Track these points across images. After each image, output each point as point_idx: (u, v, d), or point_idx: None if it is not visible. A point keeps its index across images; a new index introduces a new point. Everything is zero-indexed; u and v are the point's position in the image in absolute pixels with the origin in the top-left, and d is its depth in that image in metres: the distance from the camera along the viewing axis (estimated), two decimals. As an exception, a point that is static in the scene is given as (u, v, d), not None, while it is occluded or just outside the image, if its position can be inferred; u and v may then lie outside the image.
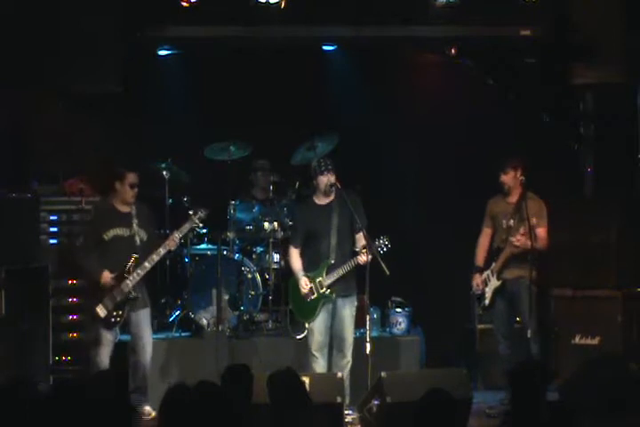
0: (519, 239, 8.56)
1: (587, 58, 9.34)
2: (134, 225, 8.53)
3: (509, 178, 8.79)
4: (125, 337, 8.76)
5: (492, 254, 8.87)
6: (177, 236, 8.50)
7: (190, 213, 8.56)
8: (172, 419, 5.07)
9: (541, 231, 8.72)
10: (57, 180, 9.80)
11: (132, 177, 8.56)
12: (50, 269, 9.16)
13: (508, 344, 8.80)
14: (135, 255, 8.41)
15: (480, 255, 8.93)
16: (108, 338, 8.48)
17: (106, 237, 8.52)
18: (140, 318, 8.55)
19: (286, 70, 10.28)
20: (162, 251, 8.46)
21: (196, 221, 8.55)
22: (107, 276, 8.40)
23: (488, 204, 8.98)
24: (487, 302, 8.87)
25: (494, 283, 8.80)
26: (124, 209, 8.59)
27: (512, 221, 8.75)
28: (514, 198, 8.80)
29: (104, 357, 8.46)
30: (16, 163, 10.02)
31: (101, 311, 8.44)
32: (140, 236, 8.54)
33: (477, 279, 8.84)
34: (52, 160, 10.08)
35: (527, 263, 8.57)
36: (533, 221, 8.56)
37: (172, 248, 8.56)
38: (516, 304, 8.75)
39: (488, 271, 8.83)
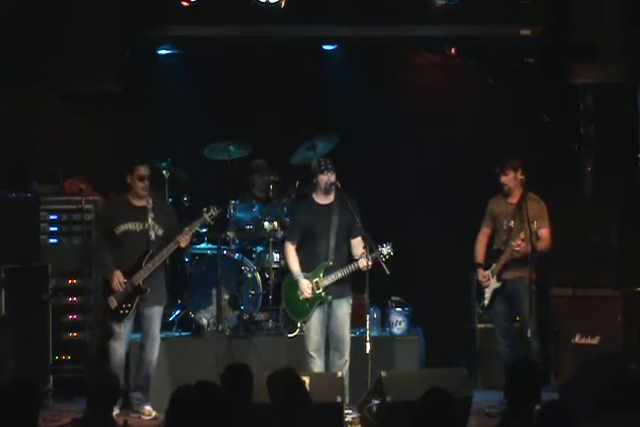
0: (519, 244, 8.56)
1: (587, 58, 9.34)
2: (149, 219, 8.52)
3: (509, 179, 8.78)
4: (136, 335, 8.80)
5: (492, 255, 8.86)
6: (187, 232, 8.52)
7: (204, 210, 8.58)
8: (176, 419, 5.07)
9: (544, 232, 8.72)
10: (57, 179, 9.81)
11: (141, 170, 8.56)
12: (49, 268, 9.16)
13: (508, 344, 8.80)
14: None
15: (479, 253, 8.92)
16: (119, 331, 8.51)
17: (117, 232, 8.54)
18: (152, 314, 8.58)
19: (286, 70, 10.28)
20: (172, 246, 8.50)
21: (208, 218, 8.58)
22: (118, 276, 8.44)
23: (489, 203, 8.97)
24: (486, 302, 8.86)
25: (494, 284, 8.79)
26: (139, 203, 8.60)
27: (512, 223, 8.74)
28: (514, 199, 8.79)
29: (118, 350, 8.51)
30: (16, 163, 10.02)
31: (112, 303, 8.50)
32: (156, 230, 8.55)
33: (483, 273, 8.82)
34: (52, 160, 10.09)
35: (527, 264, 8.56)
36: (534, 225, 8.54)
37: (183, 245, 8.56)
38: (516, 304, 8.75)
39: (488, 272, 8.83)
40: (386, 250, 8.23)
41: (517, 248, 8.56)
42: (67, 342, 9.38)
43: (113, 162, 9.83)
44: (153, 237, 8.53)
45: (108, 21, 9.26)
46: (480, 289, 8.93)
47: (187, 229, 8.55)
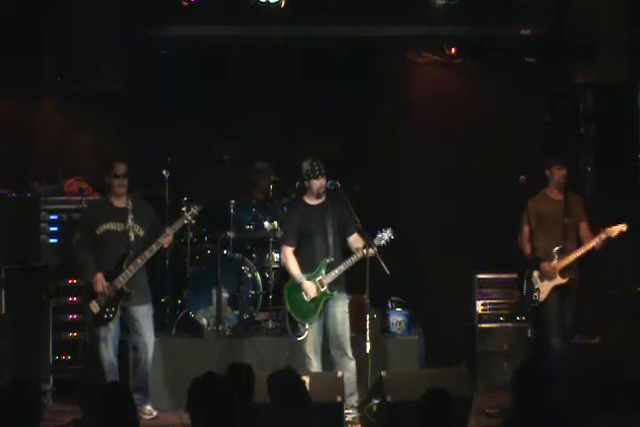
0: (603, 238, 8.58)
1: (587, 57, 9.34)
2: (129, 220, 8.50)
3: (564, 174, 8.75)
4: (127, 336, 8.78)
5: (553, 254, 8.74)
6: (169, 232, 8.47)
7: (183, 209, 8.53)
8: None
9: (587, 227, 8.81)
10: (57, 179, 9.81)
11: (117, 167, 8.53)
12: (50, 268, 9.16)
13: (563, 338, 8.74)
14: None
15: (529, 250, 8.74)
16: (104, 335, 8.46)
17: (98, 232, 8.51)
18: (140, 314, 8.53)
19: (286, 69, 10.27)
20: (154, 247, 8.44)
21: (189, 217, 8.51)
22: (100, 280, 8.41)
23: (530, 203, 8.80)
24: (543, 296, 8.74)
25: (558, 280, 8.72)
26: (120, 204, 8.58)
27: (566, 219, 8.73)
28: (559, 196, 8.79)
29: (104, 352, 8.46)
30: (16, 163, 10.03)
31: (94, 307, 8.45)
32: (136, 231, 8.52)
33: (549, 266, 8.69)
34: (51, 160, 10.10)
35: (577, 264, 8.66)
36: (583, 225, 8.67)
37: (165, 245, 8.52)
38: (565, 303, 8.74)
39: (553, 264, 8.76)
40: (387, 235, 8.23)
41: (599, 243, 8.58)
42: (67, 342, 9.36)
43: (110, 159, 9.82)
44: (132, 238, 8.50)
45: (108, 21, 9.26)
46: (530, 284, 8.77)
47: (168, 229, 8.49)
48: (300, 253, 8.45)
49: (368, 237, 8.20)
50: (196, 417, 5.11)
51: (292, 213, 8.73)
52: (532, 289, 8.77)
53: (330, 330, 8.39)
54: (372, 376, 8.02)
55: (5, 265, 8.67)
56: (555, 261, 8.73)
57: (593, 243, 8.64)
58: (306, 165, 8.46)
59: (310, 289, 8.31)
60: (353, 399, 8.19)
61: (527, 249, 8.76)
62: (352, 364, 8.32)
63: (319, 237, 8.37)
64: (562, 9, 9.54)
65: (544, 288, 8.75)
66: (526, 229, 8.79)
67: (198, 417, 5.10)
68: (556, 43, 9.63)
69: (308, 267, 8.40)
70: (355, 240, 8.39)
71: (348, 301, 8.46)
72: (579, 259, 8.74)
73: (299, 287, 8.38)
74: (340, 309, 8.40)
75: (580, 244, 8.75)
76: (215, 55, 10.20)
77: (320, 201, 8.46)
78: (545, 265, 8.72)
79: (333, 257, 8.36)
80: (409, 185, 10.41)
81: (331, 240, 8.36)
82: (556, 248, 8.73)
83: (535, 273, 8.75)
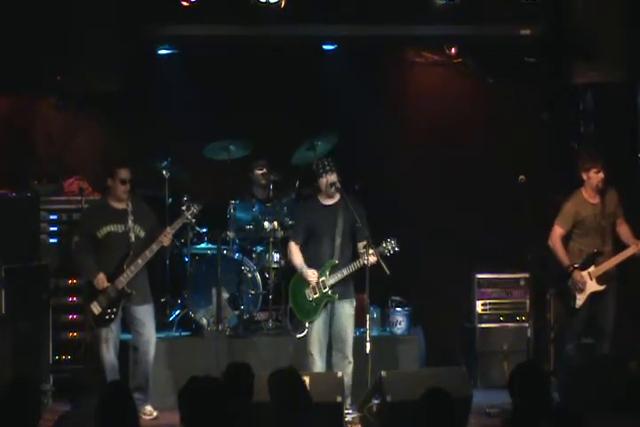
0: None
1: (587, 57, 9.34)
2: (129, 221, 8.51)
3: (603, 177, 8.64)
4: (128, 336, 8.78)
5: (590, 258, 8.64)
6: (169, 231, 8.47)
7: (183, 208, 8.54)
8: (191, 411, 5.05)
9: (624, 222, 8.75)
10: (57, 179, 9.82)
11: (122, 173, 8.53)
12: (50, 268, 9.16)
13: (577, 346, 8.70)
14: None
15: (565, 254, 8.63)
16: (106, 336, 8.47)
17: (99, 235, 8.50)
18: (142, 314, 8.54)
19: (286, 69, 10.27)
20: (155, 247, 8.45)
21: (189, 216, 8.53)
22: (102, 279, 8.41)
23: (570, 206, 8.69)
24: (580, 303, 8.63)
25: (594, 286, 8.60)
26: (119, 206, 8.58)
27: (603, 222, 8.65)
28: (595, 199, 8.68)
29: (106, 353, 8.47)
30: (16, 163, 10.03)
31: (95, 309, 8.45)
32: (136, 232, 8.53)
33: (582, 275, 8.55)
34: (51, 160, 10.11)
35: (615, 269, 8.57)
36: (619, 221, 8.61)
37: (166, 244, 8.52)
38: (603, 306, 8.64)
39: (585, 273, 8.63)
40: (391, 245, 8.22)
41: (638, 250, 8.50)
42: (67, 342, 9.37)
43: (113, 162, 9.82)
44: (133, 238, 8.50)
45: (108, 21, 9.26)
46: (568, 289, 8.67)
47: (168, 228, 8.50)
48: (306, 252, 8.45)
49: (371, 244, 8.17)
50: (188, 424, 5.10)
51: (303, 210, 8.70)
52: (570, 295, 8.63)
53: (334, 332, 8.40)
54: (371, 376, 8.02)
55: (5, 265, 8.67)
56: (592, 268, 8.61)
57: (632, 251, 8.54)
58: (314, 164, 8.47)
59: (311, 276, 8.29)
60: (347, 401, 8.18)
61: (562, 254, 8.64)
62: (350, 367, 8.33)
63: (327, 238, 8.36)
64: (562, 9, 9.54)
65: (583, 295, 8.62)
66: (561, 231, 8.67)
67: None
68: (556, 43, 9.63)
69: (314, 266, 8.39)
70: (361, 245, 8.38)
71: (354, 304, 8.45)
72: (617, 266, 8.64)
73: (303, 284, 8.37)
74: (347, 311, 8.40)
75: (618, 242, 8.63)
76: (215, 55, 10.18)
77: (334, 201, 8.43)
78: (576, 275, 8.58)
79: (339, 259, 8.34)
80: (408, 185, 10.41)
81: (338, 242, 8.34)
82: (594, 251, 8.61)
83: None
